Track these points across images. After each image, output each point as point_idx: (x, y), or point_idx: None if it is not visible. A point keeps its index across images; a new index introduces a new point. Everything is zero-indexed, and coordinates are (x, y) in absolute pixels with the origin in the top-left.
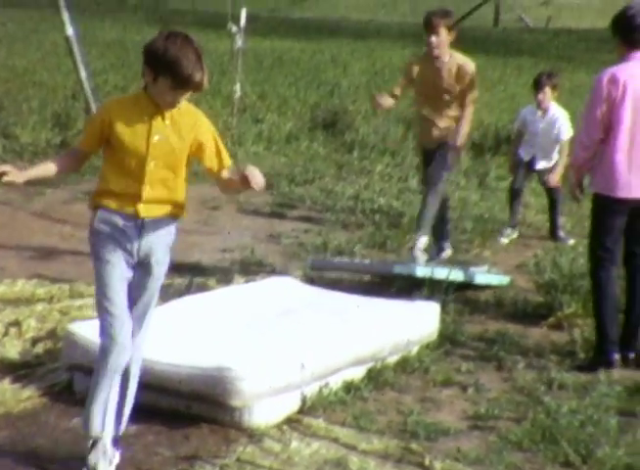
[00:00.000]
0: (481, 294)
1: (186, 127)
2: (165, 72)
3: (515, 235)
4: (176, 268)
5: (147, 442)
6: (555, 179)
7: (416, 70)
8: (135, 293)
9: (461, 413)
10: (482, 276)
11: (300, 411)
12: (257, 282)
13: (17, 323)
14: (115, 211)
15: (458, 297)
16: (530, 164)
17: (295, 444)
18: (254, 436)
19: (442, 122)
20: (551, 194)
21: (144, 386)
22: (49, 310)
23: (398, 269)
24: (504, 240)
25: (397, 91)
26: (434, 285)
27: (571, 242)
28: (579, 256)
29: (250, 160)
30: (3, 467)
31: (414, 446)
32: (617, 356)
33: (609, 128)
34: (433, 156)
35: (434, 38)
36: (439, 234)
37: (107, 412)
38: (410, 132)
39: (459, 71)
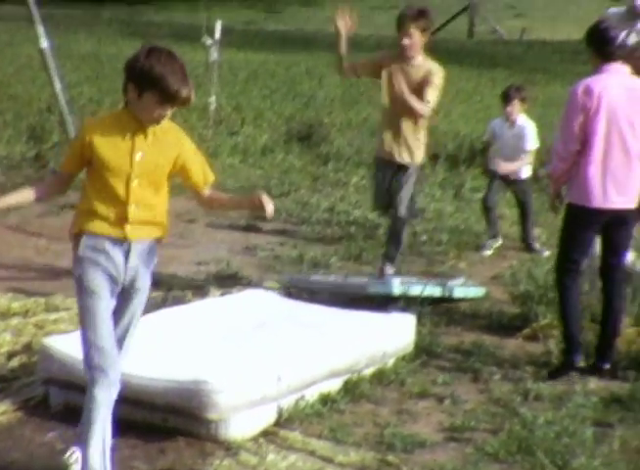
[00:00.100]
0: (457, 305)
1: (169, 144)
2: (152, 88)
3: (498, 243)
4: (152, 281)
5: (123, 455)
6: (504, 168)
7: (386, 69)
8: (115, 317)
9: (437, 425)
10: (458, 290)
11: (277, 424)
12: (233, 295)
13: None
14: (102, 235)
15: (434, 308)
16: (502, 176)
17: (271, 456)
18: (231, 449)
19: (406, 137)
20: (522, 204)
21: (120, 399)
22: (24, 324)
23: (373, 289)
24: (488, 252)
25: (351, 65)
26: (409, 297)
27: (547, 254)
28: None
29: (225, 172)
30: None
31: (390, 458)
32: (580, 359)
33: (584, 139)
34: (391, 172)
35: (406, 40)
36: (387, 254)
37: (105, 452)
38: None
39: (427, 75)
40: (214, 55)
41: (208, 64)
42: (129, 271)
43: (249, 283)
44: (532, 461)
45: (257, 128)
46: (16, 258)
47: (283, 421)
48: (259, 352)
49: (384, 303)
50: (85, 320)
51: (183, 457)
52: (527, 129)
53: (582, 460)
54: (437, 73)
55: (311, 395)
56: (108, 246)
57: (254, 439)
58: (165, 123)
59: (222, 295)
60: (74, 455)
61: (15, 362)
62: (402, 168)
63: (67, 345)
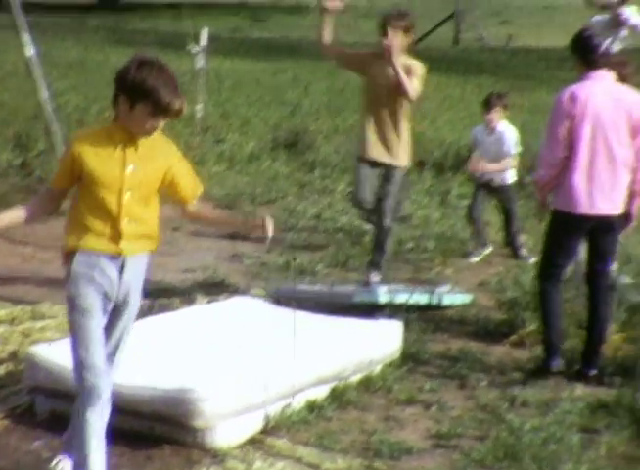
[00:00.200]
0: (444, 312)
1: (160, 157)
2: (144, 100)
3: (488, 250)
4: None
5: (110, 464)
6: (478, 167)
7: (370, 66)
8: (106, 332)
9: (424, 432)
10: (445, 297)
11: (264, 431)
12: (220, 302)
13: None
14: (97, 251)
15: (421, 315)
16: (486, 183)
17: (258, 464)
18: (218, 456)
19: (390, 138)
20: (506, 211)
21: None
22: (10, 332)
23: (359, 298)
24: (475, 259)
25: (337, 49)
26: (396, 304)
27: (533, 260)
28: None
29: (211, 180)
30: None
31: (377, 464)
32: (558, 364)
33: (570, 146)
34: (376, 172)
35: (388, 41)
36: (372, 262)
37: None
38: None
39: (407, 70)
40: (200, 62)
41: (195, 71)
42: (123, 287)
43: (235, 290)
44: (519, 468)
45: (244, 136)
46: (2, 266)
47: (270, 428)
48: (246, 360)
49: (370, 310)
50: (77, 338)
51: (170, 465)
52: (507, 134)
53: (569, 466)
54: (418, 67)
55: (298, 402)
56: (102, 262)
57: (241, 446)
58: (155, 136)
59: (209, 302)
60: (60, 464)
61: (1, 370)
62: (387, 169)
63: (53, 353)
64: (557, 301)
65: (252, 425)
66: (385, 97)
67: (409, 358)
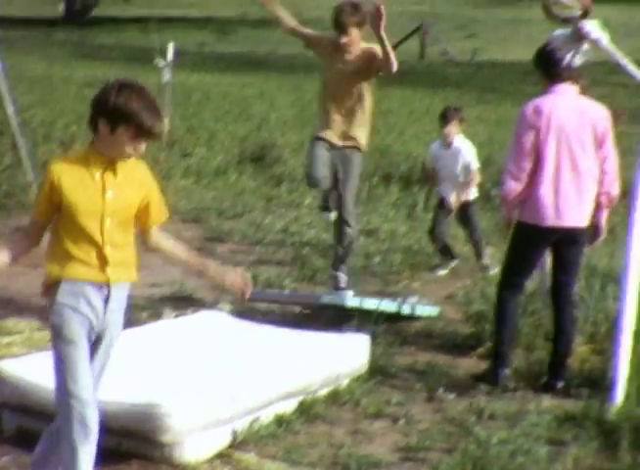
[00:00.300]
0: (411, 325)
1: (138, 182)
2: (126, 123)
3: (455, 262)
4: None
5: None
6: (454, 202)
7: (328, 53)
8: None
9: (392, 445)
10: (412, 308)
11: (232, 446)
12: (187, 317)
13: None
14: (83, 280)
15: (388, 328)
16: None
17: None
18: None
19: (348, 125)
20: (466, 225)
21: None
22: None
23: (327, 299)
24: (443, 272)
25: (292, 22)
26: (363, 317)
27: (494, 271)
28: None
29: (178, 194)
30: None
31: None
32: (506, 374)
33: (535, 159)
34: (334, 154)
35: (344, 39)
36: (337, 260)
37: None
38: None
39: (364, 54)
40: (167, 77)
41: (161, 86)
42: (108, 316)
43: (203, 305)
44: None
45: (211, 150)
46: None
47: (237, 443)
48: (213, 374)
49: (337, 322)
50: (63, 369)
51: None
52: (464, 150)
53: None
54: (376, 50)
55: (266, 416)
56: (88, 291)
57: (209, 461)
58: (131, 161)
59: (176, 316)
60: None
61: None
62: (346, 152)
63: (19, 368)
64: (513, 311)
65: (220, 439)
66: (343, 81)
67: (377, 372)
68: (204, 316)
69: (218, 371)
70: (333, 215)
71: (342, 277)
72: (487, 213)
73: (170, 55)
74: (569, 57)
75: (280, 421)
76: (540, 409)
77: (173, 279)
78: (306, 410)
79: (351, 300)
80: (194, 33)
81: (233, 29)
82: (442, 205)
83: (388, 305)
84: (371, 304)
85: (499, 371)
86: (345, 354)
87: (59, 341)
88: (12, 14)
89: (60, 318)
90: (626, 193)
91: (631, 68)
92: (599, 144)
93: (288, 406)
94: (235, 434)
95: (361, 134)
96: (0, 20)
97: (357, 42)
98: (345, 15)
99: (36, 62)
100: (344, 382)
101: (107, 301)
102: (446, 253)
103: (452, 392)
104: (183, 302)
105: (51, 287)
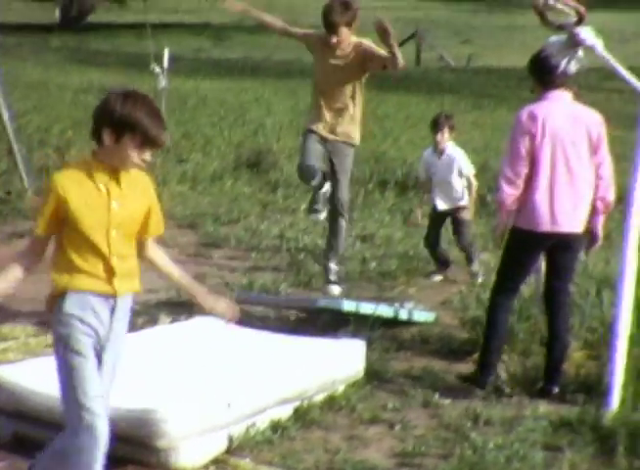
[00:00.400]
0: (407, 331)
1: (141, 193)
2: (131, 132)
3: (449, 269)
4: None
5: None
6: (468, 216)
7: (318, 50)
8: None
9: (388, 451)
10: (408, 313)
11: (227, 452)
12: (183, 322)
13: None
14: (90, 291)
15: (384, 334)
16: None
17: None
18: None
19: (338, 120)
20: (456, 229)
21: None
22: None
23: (324, 303)
24: (438, 278)
25: (279, 23)
26: (359, 322)
27: (480, 279)
28: None
29: (174, 200)
30: None
31: None
32: (490, 380)
33: (530, 164)
34: (326, 148)
35: (335, 39)
36: (329, 250)
37: None
38: None
39: (356, 48)
40: (163, 82)
41: (157, 91)
42: (114, 325)
43: (198, 311)
44: None
45: (206, 156)
46: None
47: (233, 449)
48: (209, 380)
49: (333, 327)
50: (72, 381)
51: None
52: (457, 157)
53: None
54: (368, 41)
55: (262, 422)
56: (95, 302)
57: (205, 467)
58: (133, 171)
59: (172, 322)
60: None
61: None
62: (338, 145)
63: (15, 374)
64: (505, 318)
65: (216, 445)
66: (334, 76)
67: (372, 377)
68: (199, 322)
69: (214, 377)
70: (322, 216)
71: (333, 268)
72: (483, 219)
73: (166, 61)
74: (564, 63)
75: (276, 427)
76: (536, 415)
77: (169, 285)
78: (302, 416)
79: (348, 304)
80: (190, 39)
81: (229, 35)
82: (436, 211)
83: (384, 310)
84: (367, 308)
85: (484, 379)
86: (341, 360)
87: (66, 352)
88: (8, 20)
89: (67, 329)
90: (622, 199)
91: (626, 74)
92: (594, 150)
93: (283, 412)
94: (231, 439)
95: (351, 129)
96: None
97: (347, 39)
98: (336, 14)
99: (32, 68)
100: (340, 388)
101: (113, 311)
102: (441, 259)
103: (448, 397)
104: (179, 307)
105: (55, 299)
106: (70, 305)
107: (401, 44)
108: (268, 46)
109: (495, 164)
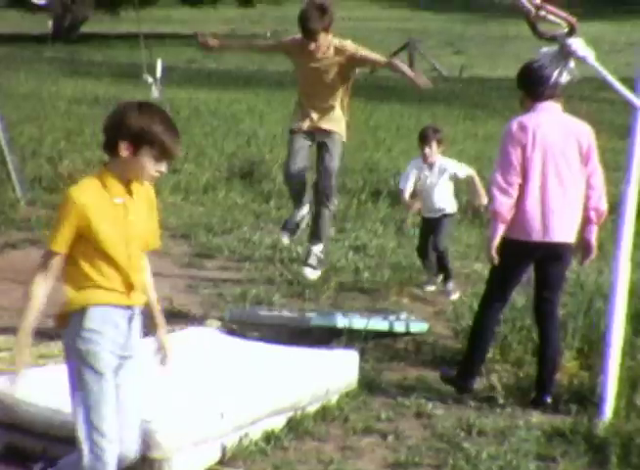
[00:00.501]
0: (400, 341)
1: (149, 203)
2: (150, 144)
3: (439, 279)
4: None
5: None
6: (451, 224)
7: (296, 54)
8: (122, 391)
9: (381, 461)
10: (401, 324)
11: (220, 462)
12: (176, 333)
13: None
14: (110, 304)
15: (377, 344)
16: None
17: None
18: None
19: (326, 113)
20: (436, 232)
21: (60, 439)
22: None
23: (317, 321)
24: (432, 288)
25: (259, 43)
26: (352, 333)
27: (455, 297)
28: None
29: (167, 210)
30: None
31: None
32: (472, 385)
33: (521, 174)
34: (312, 143)
35: (313, 46)
36: (311, 235)
37: None
38: None
39: (337, 50)
40: (156, 93)
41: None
42: (132, 344)
43: (192, 321)
44: None
45: (199, 166)
46: None
47: (227, 459)
48: (202, 391)
49: (326, 338)
50: (87, 401)
51: None
52: (450, 165)
53: None
54: (349, 43)
55: (255, 432)
56: (116, 315)
57: None
58: (139, 183)
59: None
60: None
61: None
62: (325, 137)
63: (8, 385)
64: (491, 329)
65: (209, 456)
66: (314, 78)
67: (366, 388)
68: (192, 332)
69: (207, 387)
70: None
71: (314, 251)
72: (475, 230)
73: (159, 71)
74: (555, 75)
75: (269, 437)
76: (529, 425)
77: (163, 295)
78: (295, 426)
79: (341, 320)
80: (183, 50)
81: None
82: (427, 222)
83: (379, 324)
84: (360, 323)
85: (466, 383)
86: (334, 370)
87: (84, 369)
88: (1, 30)
89: (88, 345)
90: (614, 209)
91: (617, 84)
92: (585, 160)
93: (277, 423)
94: (224, 450)
95: (336, 126)
96: None
97: (326, 43)
98: (314, 21)
99: (25, 78)
100: (334, 398)
101: (130, 322)
102: (434, 269)
103: (441, 407)
104: (172, 318)
105: (73, 314)
106: (91, 321)
107: (394, 54)
108: (261, 57)
109: (488, 174)
